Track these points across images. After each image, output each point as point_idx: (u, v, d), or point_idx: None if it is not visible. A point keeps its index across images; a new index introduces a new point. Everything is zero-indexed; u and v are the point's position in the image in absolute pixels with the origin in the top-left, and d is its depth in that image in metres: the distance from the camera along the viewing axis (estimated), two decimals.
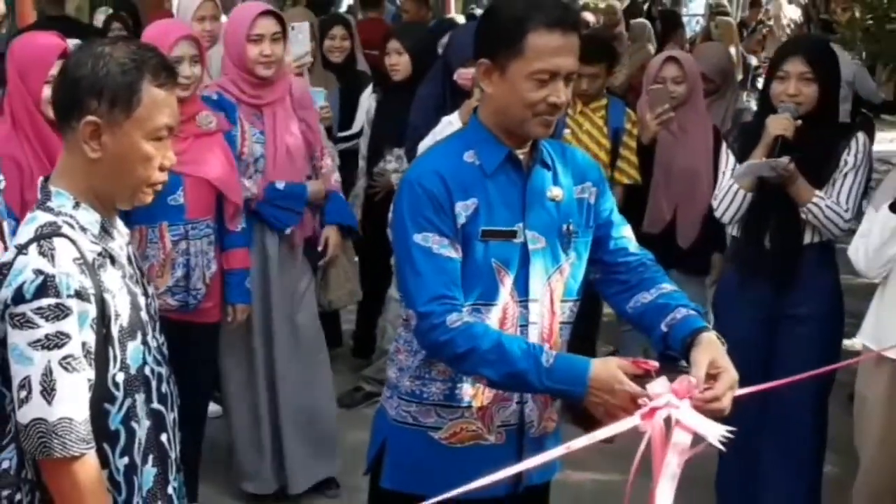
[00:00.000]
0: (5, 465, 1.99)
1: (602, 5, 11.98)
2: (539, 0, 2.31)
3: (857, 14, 3.52)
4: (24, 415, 1.85)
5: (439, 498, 2.00)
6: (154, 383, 2.09)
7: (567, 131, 4.70)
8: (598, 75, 4.79)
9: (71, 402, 1.85)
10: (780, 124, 3.59)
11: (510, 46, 2.27)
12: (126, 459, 2.02)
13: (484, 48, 2.36)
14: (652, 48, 9.34)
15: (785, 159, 3.58)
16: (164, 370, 2.15)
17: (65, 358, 1.85)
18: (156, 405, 2.09)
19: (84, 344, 1.89)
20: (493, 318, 2.38)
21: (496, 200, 2.37)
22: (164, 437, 2.13)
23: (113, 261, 2.00)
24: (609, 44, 5.50)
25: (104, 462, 1.98)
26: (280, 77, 4.03)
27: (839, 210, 3.61)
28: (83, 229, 1.96)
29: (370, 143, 5.04)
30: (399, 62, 4.96)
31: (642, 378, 2.13)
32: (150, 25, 3.86)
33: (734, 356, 3.85)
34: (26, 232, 1.94)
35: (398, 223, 2.40)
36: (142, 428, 2.05)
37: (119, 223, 2.11)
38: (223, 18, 4.70)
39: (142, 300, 2.08)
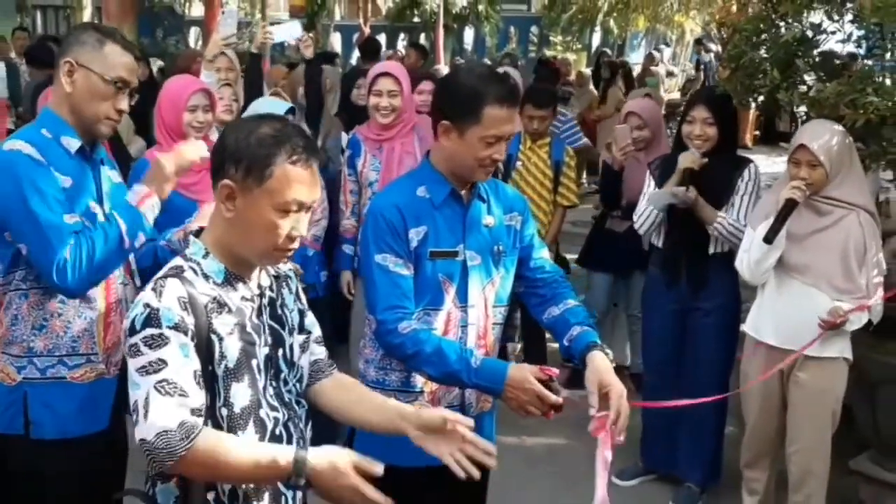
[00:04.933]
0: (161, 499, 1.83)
1: (560, 57, 12.13)
2: (491, 77, 2.36)
3: (733, 75, 3.61)
4: (136, 435, 1.67)
5: None
6: (270, 426, 1.86)
7: (519, 163, 4.74)
8: (546, 117, 4.81)
9: (163, 417, 1.65)
10: (688, 159, 3.71)
11: (469, 115, 2.29)
12: (229, 485, 1.82)
13: (445, 112, 2.36)
14: (594, 90, 9.46)
15: (682, 189, 3.69)
16: (281, 414, 1.89)
17: (160, 381, 1.66)
18: None
19: (195, 372, 1.71)
20: (439, 320, 2.40)
21: (442, 227, 2.40)
22: None
23: (229, 309, 1.80)
24: (555, 92, 5.52)
25: (213, 485, 1.81)
26: (400, 121, 4.14)
27: (738, 226, 3.69)
28: (206, 276, 1.79)
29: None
30: None
31: (547, 381, 2.21)
32: (170, 79, 3.83)
33: (657, 337, 4.02)
34: (159, 273, 1.81)
35: (363, 245, 2.43)
36: None
37: (258, 279, 1.89)
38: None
39: (261, 350, 1.85)
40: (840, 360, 3.34)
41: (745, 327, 3.61)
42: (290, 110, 4.10)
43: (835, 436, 3.47)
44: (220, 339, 1.77)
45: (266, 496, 1.84)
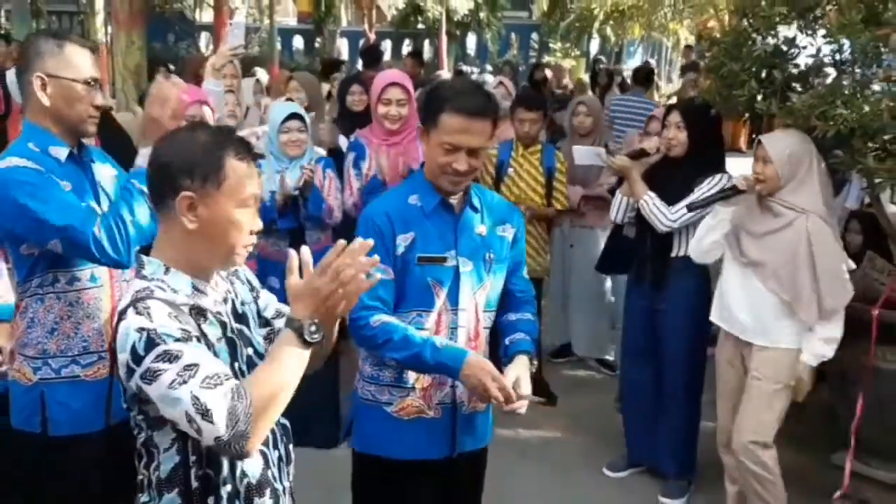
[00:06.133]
0: None
1: (555, 63, 12.17)
2: (461, 89, 2.42)
3: (712, 85, 3.70)
4: (207, 440, 1.62)
5: None
6: None
7: (511, 170, 4.75)
8: (538, 120, 4.77)
9: (223, 405, 1.60)
10: (647, 141, 4.03)
11: (430, 119, 2.40)
12: (229, 487, 1.80)
13: (421, 117, 2.49)
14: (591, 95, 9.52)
15: (602, 149, 4.05)
16: None
17: (203, 380, 1.60)
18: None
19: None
20: (430, 322, 2.45)
21: (432, 233, 2.45)
22: (269, 473, 1.87)
23: (209, 316, 1.78)
24: (543, 96, 5.51)
25: (210, 487, 1.79)
26: (407, 126, 4.21)
27: (665, 211, 3.80)
28: (174, 291, 1.75)
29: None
30: None
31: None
32: None
33: (630, 333, 4.17)
34: (125, 299, 1.74)
35: None
36: (246, 463, 1.81)
37: (216, 283, 1.86)
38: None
39: (243, 351, 1.85)
40: (793, 350, 3.37)
41: (713, 317, 3.67)
42: (296, 115, 4.16)
43: (818, 432, 3.51)
44: (212, 345, 1.75)
45: (267, 492, 1.85)
